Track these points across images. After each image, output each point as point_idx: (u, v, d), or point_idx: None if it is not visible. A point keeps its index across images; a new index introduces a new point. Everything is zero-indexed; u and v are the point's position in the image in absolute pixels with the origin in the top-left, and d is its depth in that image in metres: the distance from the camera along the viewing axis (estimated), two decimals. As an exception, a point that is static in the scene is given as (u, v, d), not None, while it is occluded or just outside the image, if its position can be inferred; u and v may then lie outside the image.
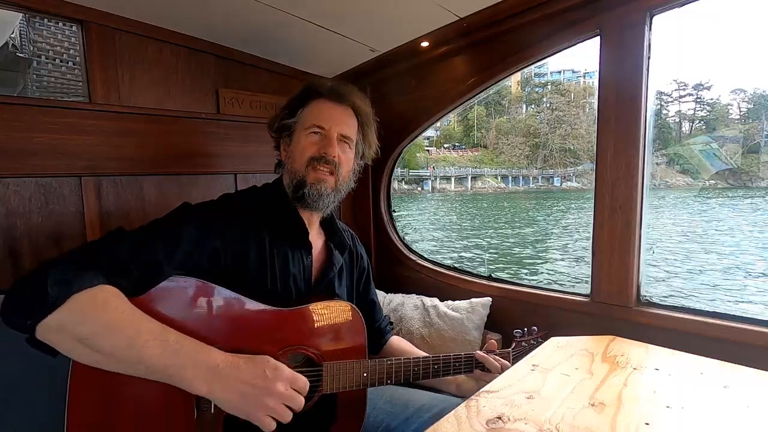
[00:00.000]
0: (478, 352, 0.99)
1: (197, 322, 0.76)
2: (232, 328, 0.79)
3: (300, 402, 0.71)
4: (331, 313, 0.89)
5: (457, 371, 0.98)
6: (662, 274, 9.05)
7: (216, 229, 0.82)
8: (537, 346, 1.07)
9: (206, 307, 0.77)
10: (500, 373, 0.96)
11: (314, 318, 0.87)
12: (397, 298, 1.63)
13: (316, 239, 1.01)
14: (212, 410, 0.76)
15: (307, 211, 0.96)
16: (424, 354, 1.10)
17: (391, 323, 1.23)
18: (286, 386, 0.70)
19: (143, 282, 0.71)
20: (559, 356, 0.83)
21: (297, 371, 0.82)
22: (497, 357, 1.00)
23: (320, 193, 0.91)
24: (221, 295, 0.79)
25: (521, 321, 1.11)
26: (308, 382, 0.74)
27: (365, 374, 0.88)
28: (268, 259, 0.88)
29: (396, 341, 1.18)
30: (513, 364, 1.01)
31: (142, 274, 0.71)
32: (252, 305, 0.81)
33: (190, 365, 0.65)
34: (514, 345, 1.06)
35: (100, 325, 0.63)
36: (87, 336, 0.62)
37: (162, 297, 0.74)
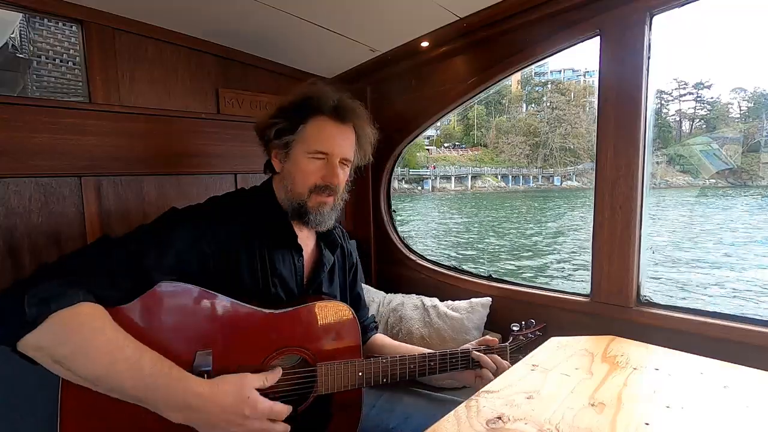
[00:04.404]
0: (474, 351, 0.99)
1: (189, 327, 0.75)
2: (225, 332, 0.78)
3: (279, 430, 0.74)
4: (324, 313, 0.88)
5: (453, 368, 0.98)
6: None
7: (205, 233, 0.82)
8: (535, 340, 1.07)
9: (198, 311, 0.76)
10: (495, 371, 0.96)
11: (307, 319, 0.87)
12: (397, 298, 1.63)
13: (308, 240, 1.00)
14: None
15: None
16: (410, 347, 1.11)
17: (376, 322, 1.21)
18: (263, 422, 0.72)
19: (133, 290, 0.70)
20: (559, 356, 0.83)
21: (291, 373, 0.83)
22: (493, 355, 0.99)
23: (322, 215, 0.93)
24: (212, 300, 0.78)
25: (521, 321, 1.11)
26: (290, 408, 0.76)
27: (360, 374, 0.88)
28: (258, 262, 0.88)
29: (379, 339, 1.15)
30: (511, 358, 1.01)
31: (131, 282, 0.70)
32: (244, 308, 0.80)
33: (163, 400, 0.65)
34: (511, 339, 1.06)
35: (76, 349, 0.62)
36: (63, 358, 0.62)
37: (152, 303, 0.73)
